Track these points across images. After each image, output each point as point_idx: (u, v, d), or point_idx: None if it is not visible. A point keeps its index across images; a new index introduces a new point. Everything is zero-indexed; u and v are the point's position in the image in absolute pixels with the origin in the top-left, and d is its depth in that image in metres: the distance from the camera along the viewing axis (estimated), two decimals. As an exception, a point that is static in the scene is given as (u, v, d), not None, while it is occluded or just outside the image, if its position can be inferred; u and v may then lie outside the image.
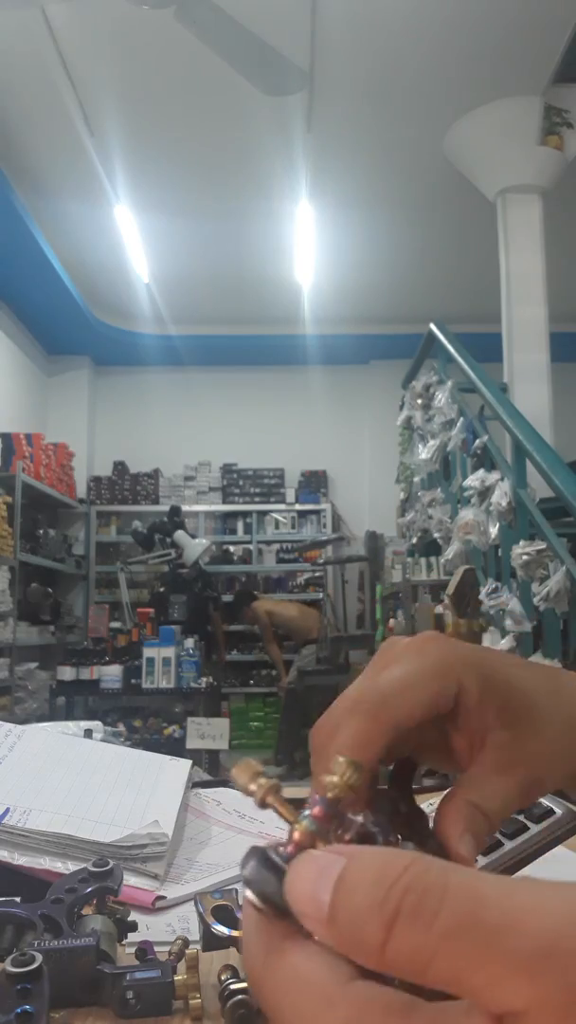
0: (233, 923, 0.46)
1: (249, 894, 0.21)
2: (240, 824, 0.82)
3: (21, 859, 0.63)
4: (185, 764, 0.76)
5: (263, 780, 0.23)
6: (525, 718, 0.30)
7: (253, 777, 0.23)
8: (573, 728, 0.31)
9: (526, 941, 0.17)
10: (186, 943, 0.49)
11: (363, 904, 0.18)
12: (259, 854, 0.21)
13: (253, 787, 0.23)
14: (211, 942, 0.46)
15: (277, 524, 8.33)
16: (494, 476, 3.92)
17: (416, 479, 5.69)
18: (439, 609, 4.22)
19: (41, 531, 7.17)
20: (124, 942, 0.52)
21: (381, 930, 0.18)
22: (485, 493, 3.92)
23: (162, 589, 6.33)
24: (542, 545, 3.40)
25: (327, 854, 0.20)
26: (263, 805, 0.23)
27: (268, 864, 0.21)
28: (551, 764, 0.31)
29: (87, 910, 0.53)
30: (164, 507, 7.30)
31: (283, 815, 0.23)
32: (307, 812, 0.23)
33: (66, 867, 0.62)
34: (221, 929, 0.45)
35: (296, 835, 0.22)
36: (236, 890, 0.49)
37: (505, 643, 3.49)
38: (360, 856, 0.19)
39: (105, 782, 0.78)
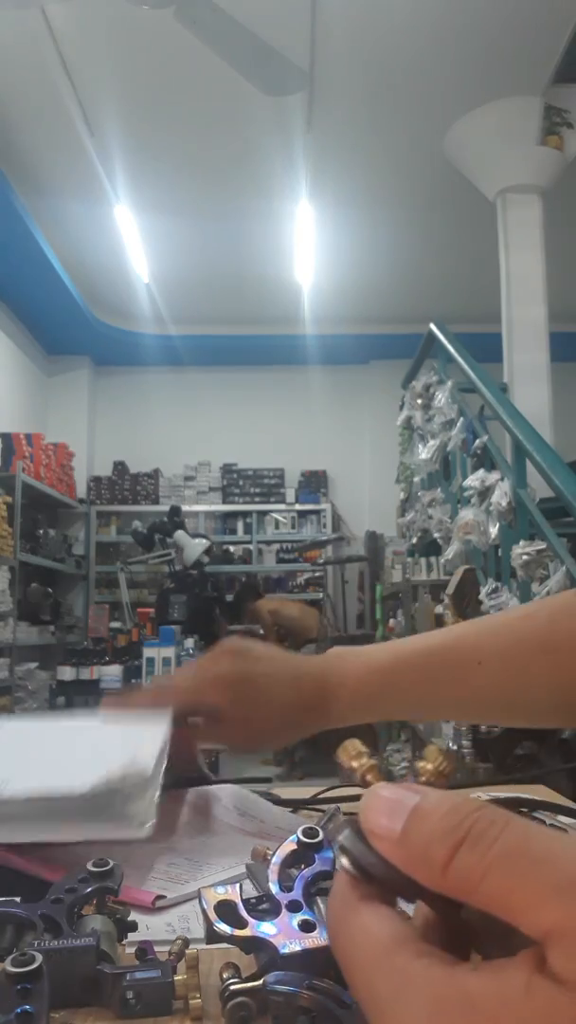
0: (235, 921, 0.45)
1: (344, 861, 0.24)
2: (241, 822, 0.82)
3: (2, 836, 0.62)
4: (165, 716, 0.74)
5: (364, 760, 0.26)
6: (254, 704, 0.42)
7: (356, 756, 0.26)
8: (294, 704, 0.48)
9: (561, 872, 0.20)
10: (186, 943, 0.49)
11: (436, 828, 0.21)
12: (354, 825, 0.24)
13: (355, 764, 0.26)
14: (213, 936, 0.46)
15: (277, 524, 8.34)
16: (494, 476, 3.92)
17: (416, 479, 5.69)
18: (439, 609, 4.23)
19: (41, 531, 7.17)
20: (124, 942, 0.52)
21: (448, 851, 0.21)
22: (485, 493, 3.92)
23: (171, 585, 6.33)
24: (542, 545, 3.40)
25: (402, 788, 0.23)
26: (363, 783, 0.26)
27: (362, 835, 0.24)
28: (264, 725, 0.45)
29: (87, 910, 0.52)
30: (164, 507, 7.30)
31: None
32: None
33: (53, 835, 0.62)
34: (223, 928, 0.45)
35: None
36: (240, 884, 0.49)
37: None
38: (432, 793, 0.23)
39: (84, 747, 0.77)
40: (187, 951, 0.48)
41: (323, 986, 0.41)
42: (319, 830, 0.51)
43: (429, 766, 0.27)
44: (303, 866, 0.49)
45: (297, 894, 0.47)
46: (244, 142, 5.27)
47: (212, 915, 0.45)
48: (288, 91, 4.20)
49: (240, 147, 5.33)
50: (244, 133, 5.17)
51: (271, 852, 0.52)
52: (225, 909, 0.46)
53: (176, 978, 0.46)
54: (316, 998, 0.41)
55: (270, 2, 4.13)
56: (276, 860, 0.50)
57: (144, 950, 0.50)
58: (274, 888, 0.47)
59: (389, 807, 0.23)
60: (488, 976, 0.20)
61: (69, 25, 4.30)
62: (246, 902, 0.47)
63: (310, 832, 0.51)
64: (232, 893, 0.47)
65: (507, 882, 0.20)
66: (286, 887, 0.48)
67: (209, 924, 0.45)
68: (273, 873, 0.49)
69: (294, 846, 0.50)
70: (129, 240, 6.41)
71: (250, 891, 0.50)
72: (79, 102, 4.90)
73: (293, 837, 0.51)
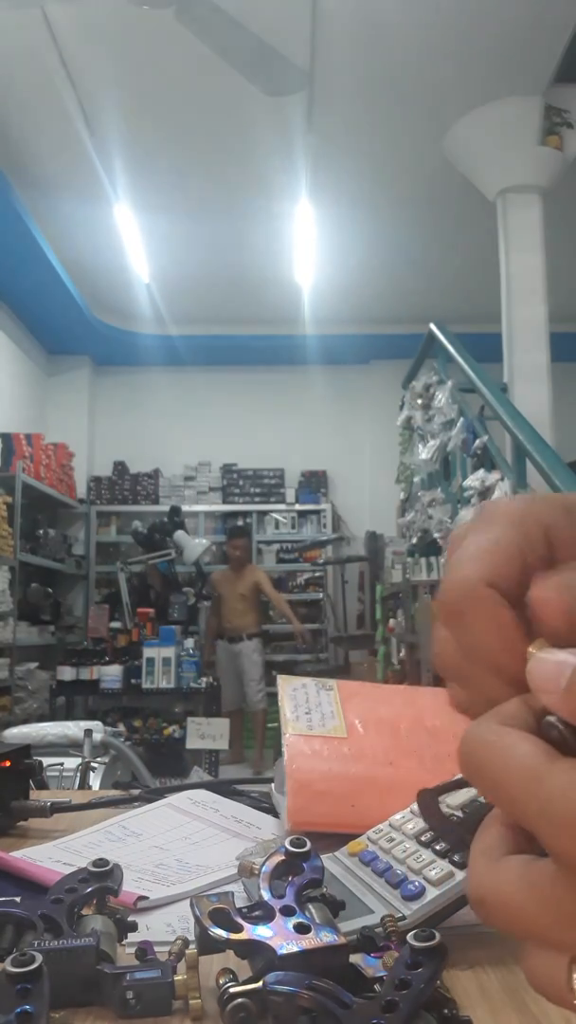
0: (230, 926, 0.45)
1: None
2: (236, 828, 0.82)
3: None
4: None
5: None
6: None
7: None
8: None
9: None
10: (186, 943, 0.49)
11: None
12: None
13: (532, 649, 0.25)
14: (207, 945, 0.46)
15: (277, 524, 8.34)
16: (494, 476, 3.92)
17: (416, 479, 5.69)
18: (439, 609, 4.22)
19: (41, 531, 7.17)
20: (124, 942, 0.52)
21: None
22: (485, 493, 3.92)
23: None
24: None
25: (565, 651, 0.24)
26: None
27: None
28: None
29: (87, 910, 0.53)
30: (164, 507, 7.30)
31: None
32: None
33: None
34: (219, 932, 0.45)
35: None
36: (232, 893, 0.49)
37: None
38: None
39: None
40: (187, 951, 0.48)
41: (323, 986, 0.41)
42: (306, 840, 0.51)
43: None
44: (291, 876, 0.49)
45: (290, 900, 0.47)
46: (244, 142, 5.27)
47: (207, 921, 0.45)
48: (288, 91, 4.20)
49: (240, 147, 5.33)
50: (244, 133, 5.17)
51: (258, 866, 0.52)
52: (219, 916, 0.46)
53: (176, 978, 0.46)
54: (316, 998, 0.41)
55: (270, 2, 4.13)
56: (265, 869, 0.50)
57: (144, 950, 0.50)
58: (266, 895, 0.48)
59: (558, 663, 0.24)
60: None
61: (69, 25, 4.30)
62: (239, 910, 0.47)
63: (298, 842, 0.51)
64: (225, 901, 0.47)
65: None
66: (277, 895, 0.48)
67: (203, 932, 0.45)
68: (264, 881, 0.49)
69: (282, 856, 0.51)
70: (129, 240, 6.41)
71: (242, 902, 0.50)
72: (79, 102, 4.90)
73: (280, 848, 0.51)
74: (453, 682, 0.28)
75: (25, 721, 5.04)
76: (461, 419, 4.57)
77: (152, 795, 0.97)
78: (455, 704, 0.29)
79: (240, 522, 8.34)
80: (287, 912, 0.46)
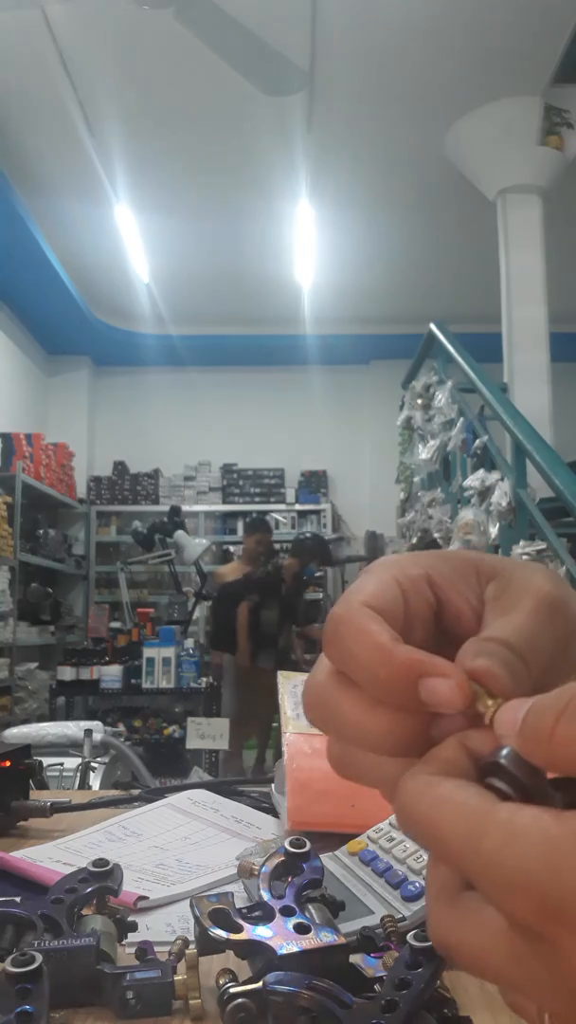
0: (230, 926, 0.45)
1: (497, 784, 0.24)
2: (236, 828, 0.82)
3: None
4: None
5: (489, 701, 0.26)
6: (508, 573, 0.30)
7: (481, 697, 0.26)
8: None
9: None
10: (186, 943, 0.49)
11: (542, 708, 0.23)
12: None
13: (480, 707, 0.26)
14: (207, 946, 0.46)
15: (277, 524, 8.33)
16: (494, 476, 3.92)
17: (416, 479, 5.69)
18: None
19: (41, 531, 7.17)
20: (124, 942, 0.52)
21: (551, 721, 0.22)
22: (485, 493, 3.92)
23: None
24: (542, 545, 3.40)
25: (527, 699, 0.25)
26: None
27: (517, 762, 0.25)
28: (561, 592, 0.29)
29: (87, 910, 0.53)
30: (164, 507, 7.29)
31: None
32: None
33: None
34: (219, 933, 0.45)
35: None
36: (232, 893, 0.49)
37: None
38: (544, 695, 0.24)
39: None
40: (187, 951, 0.48)
41: (323, 986, 0.41)
42: (306, 840, 0.51)
43: None
44: (291, 877, 0.49)
45: (289, 900, 0.47)
46: (244, 142, 5.27)
47: (206, 922, 0.45)
48: (288, 91, 4.20)
49: (240, 147, 5.33)
50: (244, 133, 5.17)
51: (257, 866, 0.52)
52: (219, 916, 0.46)
53: (176, 978, 0.46)
54: (316, 998, 0.41)
55: (270, 2, 4.13)
56: (265, 870, 0.50)
57: (144, 950, 0.50)
58: (266, 896, 0.48)
59: (515, 708, 0.24)
60: None
61: (69, 25, 4.30)
62: (239, 910, 0.47)
63: (297, 843, 0.51)
64: (225, 902, 0.47)
65: None
66: (277, 895, 0.48)
67: (203, 932, 0.45)
68: (263, 882, 0.49)
69: (281, 857, 0.50)
70: (129, 240, 6.41)
71: (242, 902, 0.50)
72: (79, 102, 4.90)
73: (280, 848, 0.51)
74: (324, 722, 0.28)
75: (25, 721, 5.05)
76: (461, 419, 4.57)
77: (152, 795, 0.97)
78: (330, 756, 0.29)
79: (240, 522, 8.34)
80: (287, 912, 0.46)
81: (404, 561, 0.29)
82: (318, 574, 7.32)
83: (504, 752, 0.24)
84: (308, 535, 6.55)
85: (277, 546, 8.23)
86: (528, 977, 0.22)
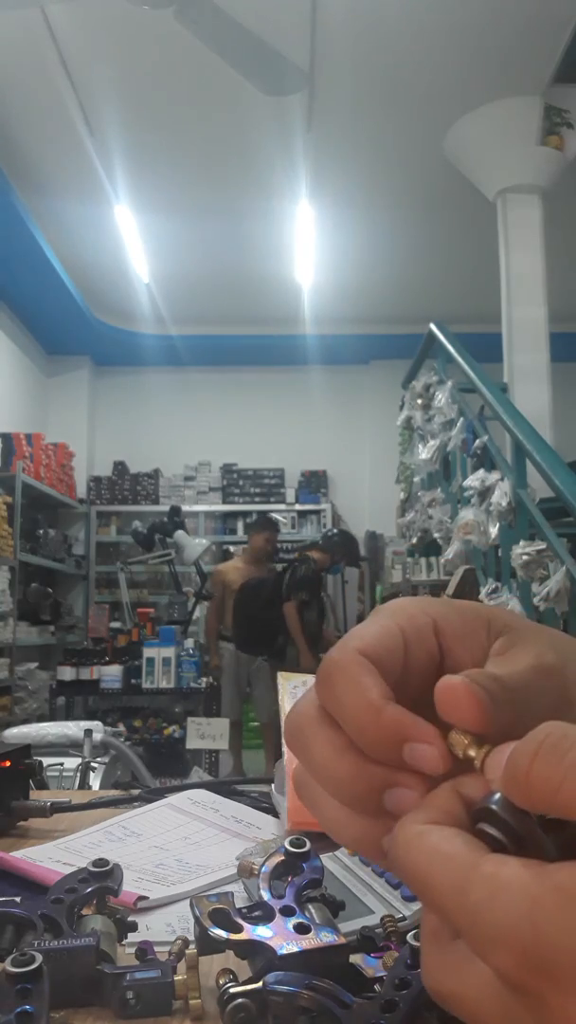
0: (230, 926, 0.45)
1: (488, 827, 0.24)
2: (236, 828, 0.82)
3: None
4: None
5: (480, 747, 0.26)
6: (518, 633, 0.30)
7: (470, 745, 0.26)
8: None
9: None
10: (186, 943, 0.49)
11: (519, 750, 0.23)
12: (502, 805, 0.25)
13: (472, 753, 0.26)
14: (207, 946, 0.46)
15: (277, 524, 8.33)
16: (494, 476, 3.92)
17: (416, 479, 5.69)
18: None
19: (41, 531, 7.17)
20: (124, 942, 0.52)
21: (527, 761, 0.23)
22: (485, 493, 3.93)
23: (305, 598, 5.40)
24: (542, 545, 3.40)
25: (511, 743, 0.25)
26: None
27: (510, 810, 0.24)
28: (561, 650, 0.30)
29: (87, 910, 0.52)
30: (164, 507, 7.29)
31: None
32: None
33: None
34: (219, 933, 0.45)
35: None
36: (232, 893, 0.49)
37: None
38: (528, 734, 0.24)
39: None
40: (187, 951, 0.48)
41: (323, 986, 0.41)
42: (306, 840, 0.51)
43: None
44: (291, 877, 0.49)
45: (289, 900, 0.47)
46: (244, 142, 5.26)
47: (206, 922, 0.45)
48: (288, 91, 4.20)
49: (240, 147, 5.33)
50: (244, 133, 5.17)
51: (257, 866, 0.52)
52: (219, 916, 0.46)
53: (176, 978, 0.46)
54: (316, 998, 0.41)
55: (270, 2, 4.13)
56: (265, 869, 0.50)
57: (144, 950, 0.50)
58: (266, 895, 0.48)
59: (504, 750, 0.25)
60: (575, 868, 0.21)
61: (69, 25, 4.30)
62: (239, 910, 0.47)
63: (297, 842, 0.51)
64: (225, 902, 0.47)
65: None
66: (277, 895, 0.48)
67: (203, 932, 0.45)
68: (263, 881, 0.49)
69: (281, 857, 0.50)
70: (129, 240, 6.41)
71: (242, 902, 0.50)
72: (79, 102, 4.90)
73: (280, 848, 0.51)
74: (297, 751, 0.29)
75: (25, 721, 5.05)
76: (461, 419, 4.57)
77: (152, 795, 0.97)
78: (295, 777, 0.29)
79: (240, 522, 8.35)
80: (287, 912, 0.46)
81: (413, 609, 0.30)
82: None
83: (495, 797, 0.24)
84: (335, 531, 6.50)
85: (278, 545, 8.26)
86: None
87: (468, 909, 0.22)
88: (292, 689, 0.89)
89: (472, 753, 0.26)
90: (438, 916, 0.24)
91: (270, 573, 5.76)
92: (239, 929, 0.45)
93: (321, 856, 0.52)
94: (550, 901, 0.21)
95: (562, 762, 0.22)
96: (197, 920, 0.46)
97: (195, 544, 6.21)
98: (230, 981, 0.43)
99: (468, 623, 0.30)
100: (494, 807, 0.24)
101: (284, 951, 0.43)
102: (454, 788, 0.26)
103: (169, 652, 5.14)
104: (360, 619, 7.69)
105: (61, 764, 2.01)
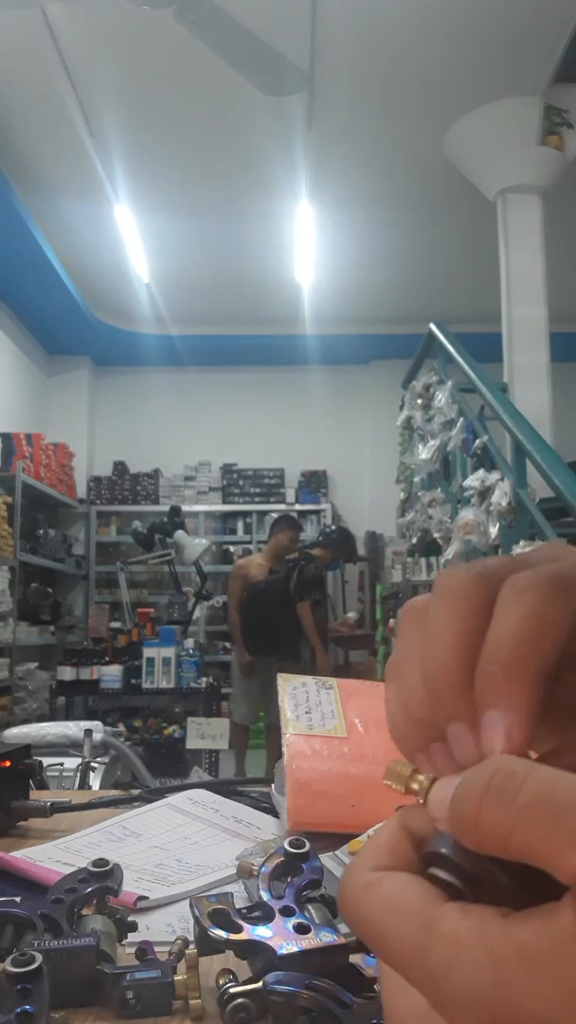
0: (230, 926, 0.45)
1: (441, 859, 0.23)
2: (236, 828, 0.82)
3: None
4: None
5: (422, 778, 0.24)
6: None
7: (411, 778, 0.25)
8: None
9: None
10: (186, 943, 0.49)
11: (465, 788, 0.21)
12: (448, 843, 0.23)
13: (415, 787, 0.24)
14: (207, 946, 0.46)
15: (277, 524, 8.33)
16: (494, 476, 3.92)
17: (416, 479, 5.69)
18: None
19: (41, 531, 7.17)
20: (124, 942, 0.52)
21: (474, 804, 0.21)
22: (485, 493, 3.92)
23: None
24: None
25: (454, 777, 0.23)
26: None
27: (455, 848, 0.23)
28: None
29: (87, 910, 0.53)
30: (164, 507, 7.29)
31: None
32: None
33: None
34: (219, 933, 0.45)
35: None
36: (232, 893, 0.49)
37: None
38: (472, 769, 0.22)
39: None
40: (187, 951, 0.48)
41: (323, 986, 0.41)
42: (305, 841, 0.51)
43: None
44: (290, 877, 0.49)
45: (289, 900, 0.47)
46: (244, 142, 5.26)
47: (206, 922, 0.45)
48: (288, 91, 4.20)
49: (240, 147, 5.33)
50: (244, 133, 5.17)
51: (257, 866, 0.52)
52: (219, 917, 0.46)
53: (176, 978, 0.46)
54: (316, 998, 0.41)
55: (270, 2, 4.13)
56: (264, 870, 0.50)
57: (144, 950, 0.50)
58: (265, 896, 0.48)
59: (444, 789, 0.23)
60: (537, 924, 0.20)
61: (69, 25, 4.30)
62: (239, 911, 0.47)
63: (297, 843, 0.51)
64: (225, 902, 0.47)
65: (536, 832, 0.20)
66: (277, 895, 0.48)
67: (203, 932, 0.45)
68: (263, 882, 0.49)
69: (281, 857, 0.50)
70: (129, 240, 6.41)
71: (241, 902, 0.50)
72: (79, 102, 4.90)
73: (280, 848, 0.51)
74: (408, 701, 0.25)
75: (25, 721, 5.04)
76: (461, 419, 4.57)
77: (152, 795, 0.97)
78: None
79: (240, 522, 8.35)
80: (287, 912, 0.46)
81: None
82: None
83: (444, 839, 0.23)
84: (333, 528, 6.50)
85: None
86: None
87: (429, 973, 0.21)
88: (292, 690, 0.89)
89: (415, 787, 0.24)
90: (399, 972, 0.22)
91: (274, 575, 5.74)
92: (239, 929, 0.45)
93: (321, 856, 0.52)
94: (514, 963, 0.19)
95: (512, 806, 0.20)
96: (197, 920, 0.46)
97: (195, 544, 6.20)
98: (230, 981, 0.43)
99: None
100: (444, 851, 0.22)
101: (284, 951, 0.43)
102: (402, 824, 0.24)
103: (169, 652, 5.13)
104: (361, 619, 7.69)
105: (61, 764, 2.01)
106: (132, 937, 0.53)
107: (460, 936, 0.20)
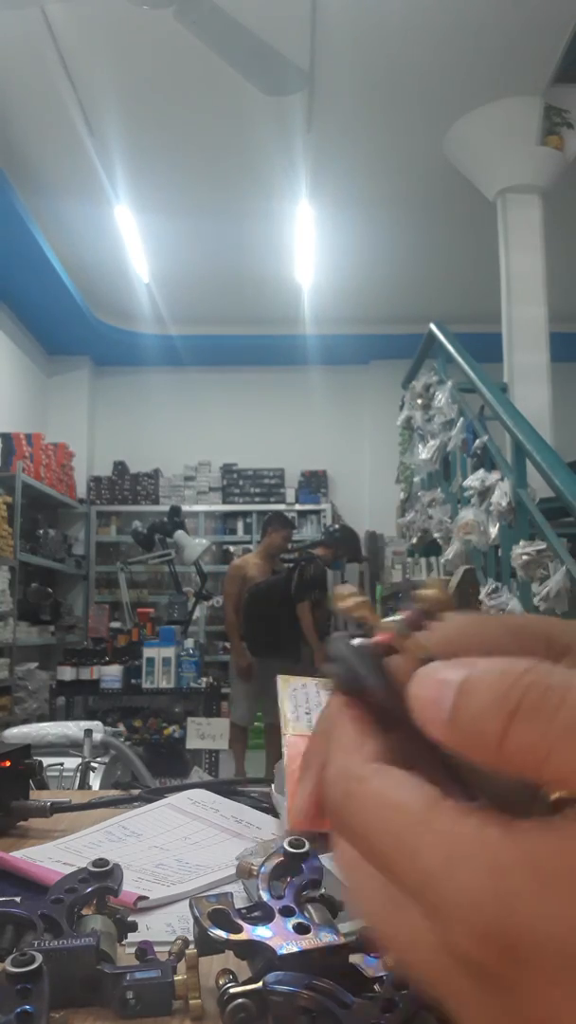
0: (230, 927, 0.45)
1: (334, 673, 0.22)
2: (236, 828, 0.82)
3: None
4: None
5: (356, 599, 0.24)
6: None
7: (346, 598, 0.25)
8: None
9: None
10: (186, 943, 0.49)
11: (485, 701, 0.19)
12: (344, 640, 0.23)
13: (347, 604, 0.24)
14: (207, 946, 0.46)
15: (277, 524, 8.32)
16: (494, 476, 3.92)
17: (416, 479, 5.69)
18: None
19: (41, 531, 7.18)
20: (124, 942, 0.52)
21: (500, 723, 0.18)
22: (485, 493, 3.92)
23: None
24: (542, 545, 3.40)
25: (449, 665, 0.20)
26: (362, 624, 0.24)
27: (351, 647, 0.22)
28: None
29: (87, 910, 0.53)
30: (164, 507, 7.29)
31: (371, 620, 0.24)
32: (399, 617, 0.24)
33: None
34: (219, 933, 0.45)
35: (384, 634, 0.23)
36: (231, 893, 0.49)
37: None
38: (481, 663, 0.19)
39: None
40: (187, 951, 0.48)
41: (323, 986, 0.41)
42: (305, 840, 0.51)
43: (429, 593, 0.25)
44: (290, 877, 0.49)
45: (289, 900, 0.47)
46: (244, 142, 5.26)
47: (206, 922, 0.45)
48: (288, 91, 4.20)
49: (240, 147, 5.33)
50: (244, 133, 5.17)
51: (256, 866, 0.52)
52: (219, 917, 0.46)
53: (176, 978, 0.46)
54: (316, 998, 0.41)
55: (270, 2, 4.13)
56: (264, 870, 0.50)
57: (144, 950, 0.50)
58: (265, 896, 0.48)
59: (437, 684, 0.20)
60: (554, 838, 0.18)
61: (69, 25, 4.30)
62: (238, 911, 0.47)
63: (296, 843, 0.51)
64: (224, 902, 0.47)
65: None
66: (277, 895, 0.48)
67: (203, 932, 0.45)
68: (263, 882, 0.49)
69: (281, 857, 0.50)
70: (129, 240, 6.41)
71: (241, 902, 0.50)
72: (79, 102, 4.90)
73: (280, 848, 0.51)
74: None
75: (25, 721, 5.05)
76: (461, 419, 4.57)
77: (152, 795, 0.97)
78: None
79: (240, 522, 8.34)
80: (286, 912, 0.46)
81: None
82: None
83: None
84: (337, 527, 6.50)
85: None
86: (481, 1015, 0.19)
87: (419, 874, 0.19)
88: (292, 691, 0.89)
89: (347, 604, 0.24)
90: (380, 872, 0.20)
91: (276, 574, 5.73)
92: (239, 929, 0.45)
93: (321, 856, 0.52)
94: (521, 877, 0.17)
95: (551, 726, 0.18)
96: (197, 920, 0.46)
97: (195, 544, 6.21)
98: (230, 981, 0.43)
99: (524, 646, 0.24)
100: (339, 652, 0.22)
101: (284, 951, 0.43)
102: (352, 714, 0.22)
103: (169, 652, 5.13)
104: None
105: (61, 764, 2.01)
106: (132, 937, 0.53)
107: (456, 834, 0.18)
